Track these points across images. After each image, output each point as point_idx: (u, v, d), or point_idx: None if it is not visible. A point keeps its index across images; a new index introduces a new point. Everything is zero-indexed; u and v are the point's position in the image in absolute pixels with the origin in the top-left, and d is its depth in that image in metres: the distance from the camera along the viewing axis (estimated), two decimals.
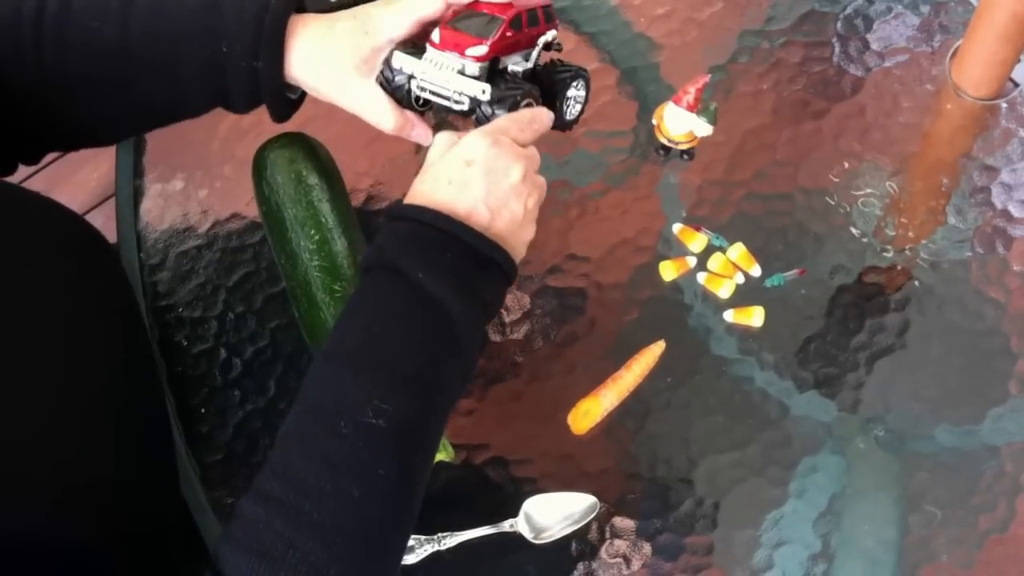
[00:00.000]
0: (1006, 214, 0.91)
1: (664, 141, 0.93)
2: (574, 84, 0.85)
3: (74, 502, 0.67)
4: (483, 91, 0.79)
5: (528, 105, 0.81)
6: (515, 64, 0.83)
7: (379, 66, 0.80)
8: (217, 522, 0.84)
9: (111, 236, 0.96)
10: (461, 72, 0.80)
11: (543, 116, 0.79)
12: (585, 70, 0.85)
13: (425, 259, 0.69)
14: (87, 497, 0.69)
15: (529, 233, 0.76)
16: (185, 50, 0.78)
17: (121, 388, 0.77)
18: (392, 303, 0.69)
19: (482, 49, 0.79)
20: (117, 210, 0.99)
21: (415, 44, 0.83)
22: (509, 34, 0.81)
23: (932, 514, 0.81)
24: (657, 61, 1.00)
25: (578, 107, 0.87)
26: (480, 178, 0.72)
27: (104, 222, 0.98)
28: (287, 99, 0.81)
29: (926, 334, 0.87)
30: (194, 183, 0.99)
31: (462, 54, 0.79)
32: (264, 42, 0.77)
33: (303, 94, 0.84)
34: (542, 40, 0.85)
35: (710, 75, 0.90)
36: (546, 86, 0.84)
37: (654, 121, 0.94)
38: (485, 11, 0.81)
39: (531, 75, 0.84)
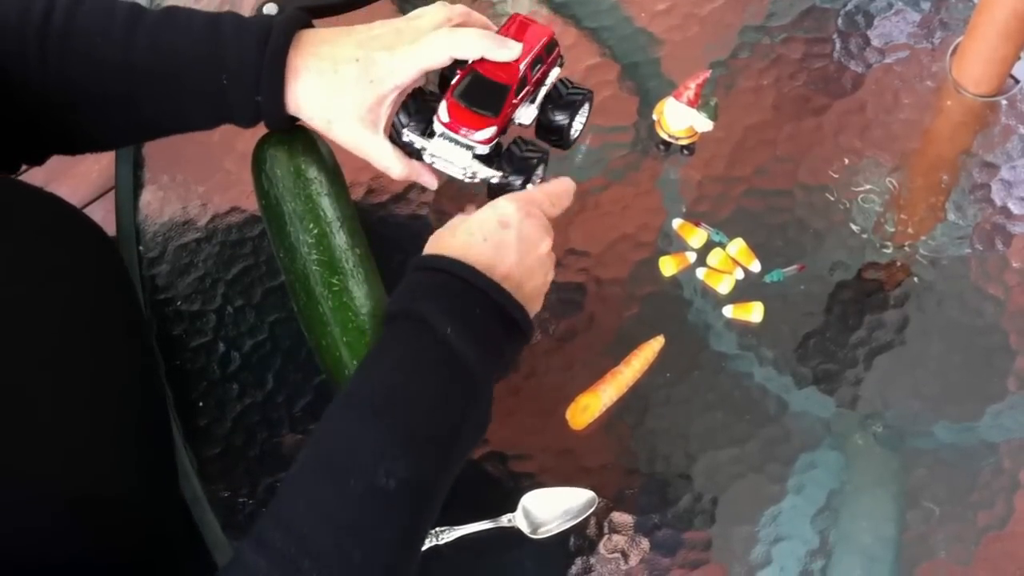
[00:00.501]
0: (1006, 211, 0.91)
1: (664, 136, 0.93)
2: (582, 109, 0.87)
3: (80, 501, 0.67)
4: (494, 177, 0.83)
5: (540, 162, 0.85)
6: (523, 116, 0.85)
7: (385, 113, 0.81)
8: (214, 517, 0.84)
9: (111, 229, 0.96)
10: (471, 152, 0.83)
11: (569, 191, 0.82)
12: (591, 92, 0.87)
13: (454, 313, 0.70)
14: (93, 496, 0.69)
15: (539, 305, 0.78)
16: (188, 74, 0.78)
17: (123, 383, 0.77)
18: (417, 356, 0.69)
19: (490, 132, 0.82)
20: (116, 203, 0.98)
21: (422, 90, 0.85)
22: (515, 101, 0.83)
23: (930, 511, 0.81)
24: (658, 56, 1.00)
25: (580, 127, 0.89)
26: (515, 242, 0.74)
27: (104, 215, 0.98)
28: (290, 116, 0.82)
29: (925, 330, 0.87)
30: (194, 176, 0.98)
31: (471, 137, 0.82)
32: (264, 77, 0.78)
33: None
34: (548, 81, 0.86)
35: (711, 70, 0.89)
36: (557, 107, 0.87)
37: (655, 116, 0.94)
38: (489, 76, 0.82)
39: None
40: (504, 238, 0.74)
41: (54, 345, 0.71)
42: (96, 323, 0.77)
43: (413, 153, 0.85)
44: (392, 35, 0.80)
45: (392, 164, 0.82)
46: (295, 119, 0.82)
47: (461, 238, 0.74)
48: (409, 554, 0.68)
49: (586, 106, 0.89)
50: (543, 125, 0.88)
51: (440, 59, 0.80)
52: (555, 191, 0.80)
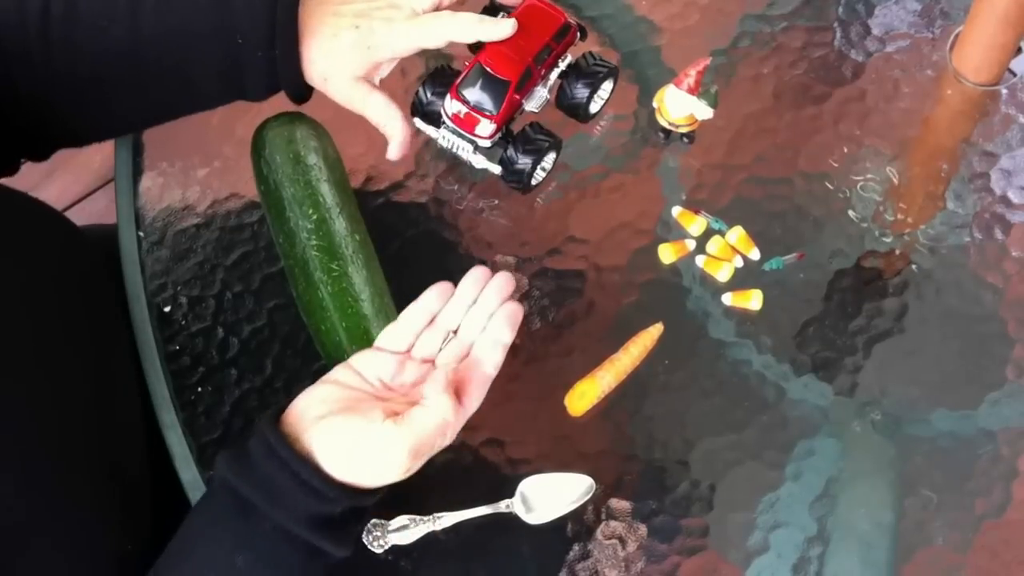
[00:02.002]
0: (1005, 200, 0.91)
1: (664, 124, 0.93)
2: (604, 84, 0.87)
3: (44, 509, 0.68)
4: (497, 169, 0.86)
5: (552, 148, 0.88)
6: (533, 103, 0.86)
7: (382, 74, 0.83)
8: None
9: (114, 218, 0.97)
10: (475, 146, 0.86)
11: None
12: (615, 68, 0.87)
13: (320, 529, 0.69)
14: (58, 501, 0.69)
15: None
16: (198, 47, 0.78)
17: (94, 388, 0.77)
18: (283, 562, 0.69)
19: (490, 128, 0.83)
20: (116, 189, 0.98)
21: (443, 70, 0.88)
22: (517, 96, 0.84)
23: (928, 498, 0.81)
24: (658, 45, 1.00)
25: (601, 102, 0.89)
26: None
27: (107, 204, 0.98)
28: (306, 83, 0.82)
29: (924, 319, 0.87)
30: (193, 162, 0.98)
31: (472, 132, 0.83)
32: (279, 32, 0.78)
33: None
34: (562, 64, 0.87)
35: (711, 58, 0.89)
36: (579, 78, 0.89)
37: (655, 104, 0.94)
38: (492, 70, 0.83)
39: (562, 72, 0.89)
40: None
41: (30, 348, 0.71)
42: (73, 329, 0.78)
43: (434, 123, 0.88)
44: (389, 8, 0.80)
45: (385, 119, 0.82)
46: (303, 83, 0.82)
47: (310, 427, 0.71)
48: None
49: (609, 81, 0.90)
50: (563, 97, 0.89)
51: (436, 42, 0.81)
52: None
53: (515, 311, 0.76)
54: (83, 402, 0.75)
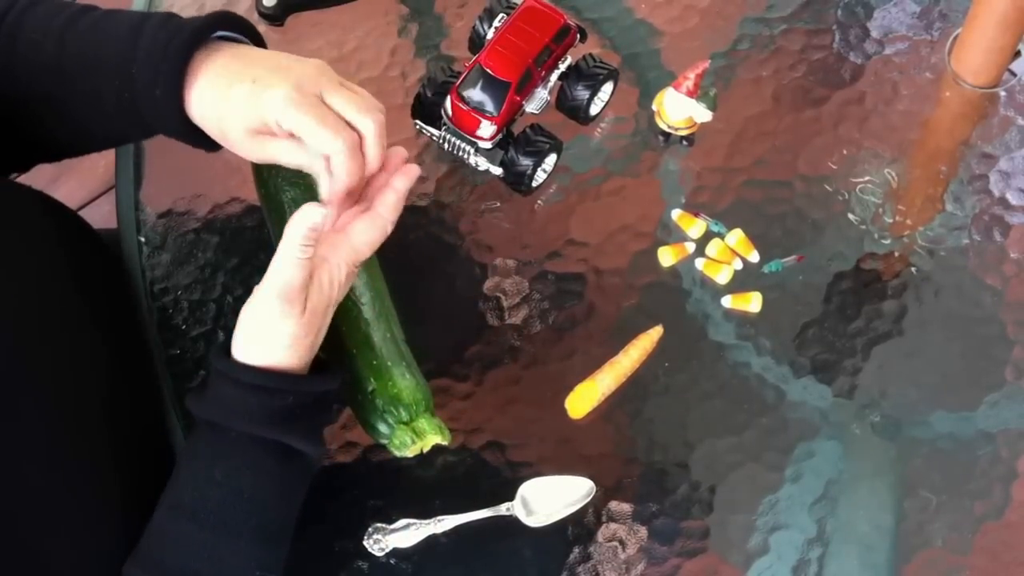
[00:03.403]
0: (1004, 202, 0.91)
1: (664, 127, 0.93)
2: (604, 86, 0.88)
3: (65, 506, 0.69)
4: (498, 171, 0.86)
5: (552, 151, 0.88)
6: (533, 104, 0.86)
7: (277, 132, 0.74)
8: None
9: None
10: (476, 148, 0.87)
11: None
12: (616, 70, 0.88)
13: (278, 423, 0.71)
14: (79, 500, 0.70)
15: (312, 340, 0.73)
16: (103, 74, 0.76)
17: (112, 383, 0.78)
18: (258, 465, 0.72)
19: (490, 130, 0.83)
20: (117, 193, 0.99)
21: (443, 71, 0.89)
22: (518, 98, 0.84)
23: (927, 500, 0.81)
24: (658, 47, 1.00)
25: (602, 104, 0.90)
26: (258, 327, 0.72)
27: (111, 209, 0.98)
28: (195, 130, 0.77)
29: (923, 321, 0.87)
30: (193, 167, 0.98)
31: (473, 133, 0.83)
32: (163, 70, 0.73)
33: None
34: (562, 65, 0.88)
35: (709, 61, 0.90)
36: (579, 80, 0.89)
37: (654, 107, 0.94)
38: (492, 71, 0.83)
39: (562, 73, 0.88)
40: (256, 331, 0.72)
41: (46, 343, 0.72)
42: (88, 323, 0.78)
43: (435, 125, 0.89)
44: (279, 71, 0.73)
45: (313, 143, 0.72)
46: (194, 128, 0.77)
47: (250, 338, 0.72)
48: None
49: (609, 84, 0.90)
50: (564, 99, 0.89)
51: (269, 120, 0.73)
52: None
53: (409, 169, 0.76)
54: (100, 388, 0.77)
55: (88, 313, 0.79)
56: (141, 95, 0.75)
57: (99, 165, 1.82)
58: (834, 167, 0.93)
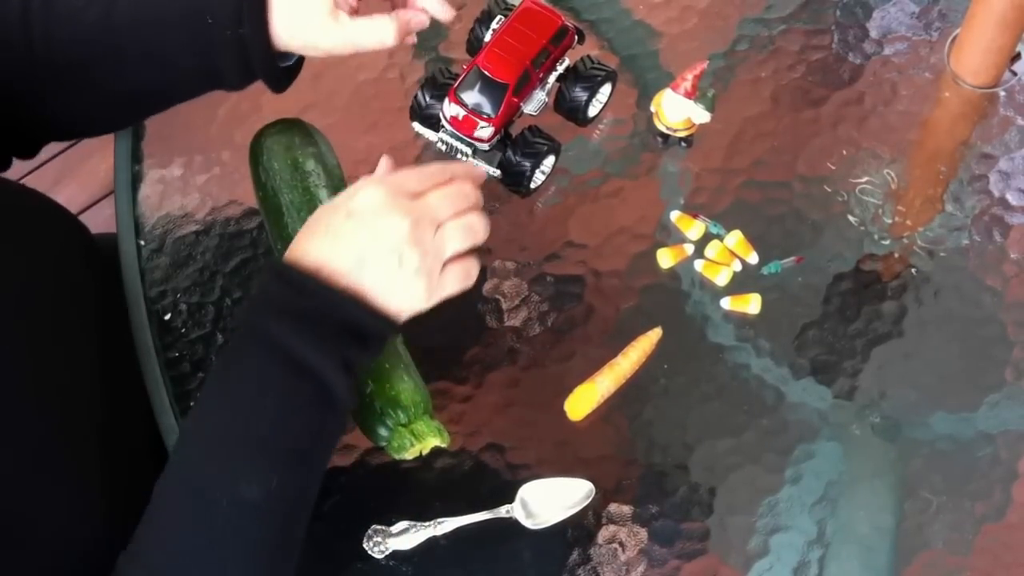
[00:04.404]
0: (1003, 202, 0.91)
1: (662, 128, 0.93)
2: (603, 87, 0.88)
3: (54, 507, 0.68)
4: (496, 173, 0.86)
5: (551, 152, 0.87)
6: (531, 106, 0.86)
7: (347, 7, 0.78)
8: None
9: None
10: (474, 150, 0.87)
11: (445, 169, 0.74)
12: (614, 72, 0.87)
13: (301, 333, 0.67)
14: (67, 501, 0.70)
15: (415, 296, 0.71)
16: (170, 28, 0.77)
17: (103, 396, 0.78)
18: (269, 376, 0.68)
19: (488, 132, 0.83)
20: (115, 197, 0.99)
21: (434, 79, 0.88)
22: (515, 99, 0.84)
23: (928, 501, 0.81)
24: (656, 49, 1.00)
25: (600, 106, 0.89)
26: (354, 233, 0.69)
27: (112, 212, 0.98)
28: (279, 67, 0.80)
29: (923, 322, 0.87)
30: (192, 169, 0.99)
31: (471, 135, 0.83)
32: (246, 6, 0.76)
33: (298, 62, 0.83)
34: (560, 66, 0.88)
35: (707, 61, 0.89)
36: (577, 81, 0.89)
37: (652, 109, 0.94)
38: (490, 73, 0.83)
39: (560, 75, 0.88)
40: (343, 230, 0.69)
41: (31, 339, 0.72)
42: (74, 322, 0.78)
43: (432, 127, 0.89)
44: None
45: (376, 34, 0.79)
46: (284, 61, 0.80)
47: (307, 232, 0.71)
48: (285, 555, 0.69)
49: (607, 85, 0.90)
50: (562, 101, 0.89)
51: None
52: (427, 169, 0.74)
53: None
54: (88, 396, 0.76)
55: (76, 315, 0.79)
56: (221, 41, 0.77)
57: (100, 169, 1.82)
58: (833, 168, 0.93)
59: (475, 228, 0.73)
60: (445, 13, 0.82)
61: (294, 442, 0.68)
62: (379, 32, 0.79)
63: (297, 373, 0.67)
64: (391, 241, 0.68)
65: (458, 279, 0.73)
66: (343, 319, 0.68)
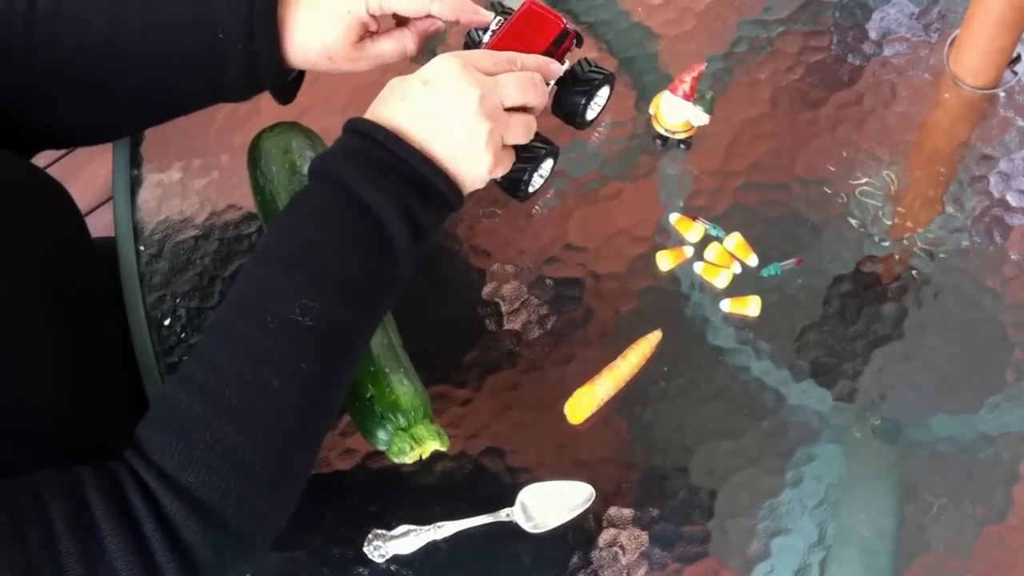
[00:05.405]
0: (1004, 203, 0.90)
1: (661, 131, 0.93)
2: (600, 90, 0.87)
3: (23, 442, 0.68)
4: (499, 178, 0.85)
5: (549, 156, 0.85)
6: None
7: (369, 27, 0.80)
8: None
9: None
10: None
11: (518, 57, 0.77)
12: (611, 74, 0.87)
13: (367, 175, 0.70)
14: (37, 438, 0.69)
15: (479, 166, 0.73)
16: (179, 40, 0.78)
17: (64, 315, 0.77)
18: (331, 211, 0.70)
19: None
20: (114, 202, 0.99)
21: None
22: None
23: (929, 503, 0.81)
24: (655, 51, 1.00)
25: (598, 109, 0.89)
26: (428, 99, 0.71)
27: (112, 217, 0.98)
28: (286, 80, 0.81)
29: (923, 323, 0.86)
30: (191, 173, 0.99)
31: None
32: (258, 23, 0.77)
33: (301, 73, 0.83)
34: (553, 79, 0.87)
35: (706, 63, 0.89)
36: (575, 85, 0.87)
37: (651, 111, 0.94)
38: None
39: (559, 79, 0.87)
40: (419, 96, 0.72)
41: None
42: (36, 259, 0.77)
43: None
44: None
45: (402, 48, 0.82)
46: (295, 82, 0.82)
47: (384, 98, 0.73)
48: (327, 391, 0.70)
49: (605, 88, 0.89)
50: (559, 104, 0.89)
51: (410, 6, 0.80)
52: (503, 53, 0.77)
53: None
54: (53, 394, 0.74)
55: (56, 315, 0.78)
56: (230, 56, 0.78)
57: (100, 174, 1.82)
58: (832, 169, 0.93)
59: (532, 128, 0.77)
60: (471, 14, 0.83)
61: (344, 275, 0.69)
62: (400, 46, 0.82)
63: (358, 212, 0.69)
64: (463, 110, 0.71)
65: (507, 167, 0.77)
66: (410, 171, 0.70)
